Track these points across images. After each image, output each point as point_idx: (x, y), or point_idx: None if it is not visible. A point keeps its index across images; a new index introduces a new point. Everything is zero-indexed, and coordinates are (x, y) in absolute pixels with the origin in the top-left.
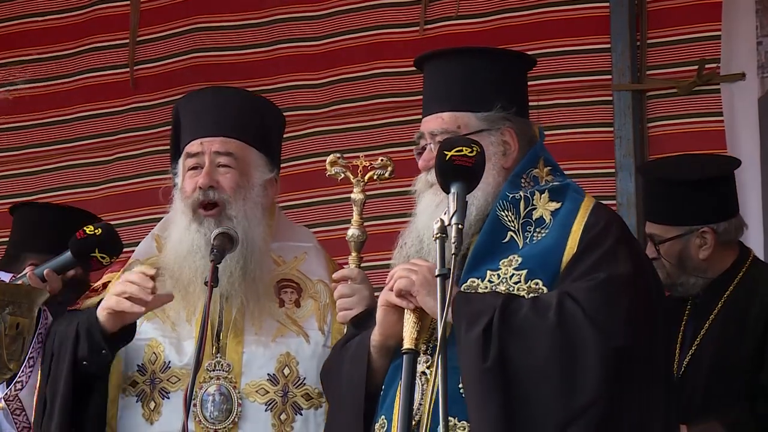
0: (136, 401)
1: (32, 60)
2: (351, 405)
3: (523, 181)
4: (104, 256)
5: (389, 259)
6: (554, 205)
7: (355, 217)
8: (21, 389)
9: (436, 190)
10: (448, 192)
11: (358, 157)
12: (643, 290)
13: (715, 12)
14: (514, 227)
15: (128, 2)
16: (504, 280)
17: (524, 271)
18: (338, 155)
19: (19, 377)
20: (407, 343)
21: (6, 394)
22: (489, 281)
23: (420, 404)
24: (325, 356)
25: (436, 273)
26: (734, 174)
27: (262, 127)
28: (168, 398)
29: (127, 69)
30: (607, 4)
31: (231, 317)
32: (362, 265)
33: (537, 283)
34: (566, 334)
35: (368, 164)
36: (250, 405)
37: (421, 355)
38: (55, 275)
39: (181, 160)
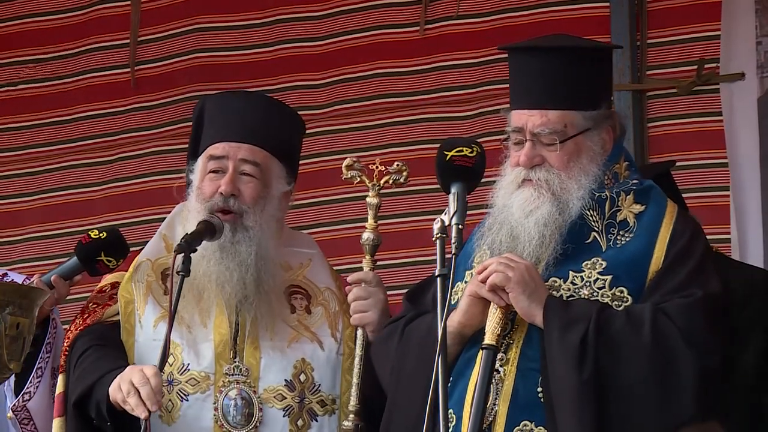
0: None
1: (33, 60)
2: (421, 390)
3: (606, 178)
4: (110, 259)
5: (393, 259)
6: (638, 208)
7: (370, 220)
8: (29, 400)
9: (534, 188)
10: (448, 192)
11: (374, 161)
12: (727, 309)
13: (715, 12)
14: (598, 228)
15: (129, 2)
16: (588, 284)
17: (609, 277)
18: (354, 158)
19: (27, 388)
20: (489, 339)
21: (14, 404)
22: (572, 283)
23: (495, 404)
24: (338, 363)
25: (436, 273)
26: (671, 173)
27: (288, 139)
28: (186, 400)
29: (128, 69)
30: (607, 4)
31: (246, 322)
32: (351, 266)
33: (622, 291)
34: (661, 352)
35: (384, 168)
36: (269, 410)
37: None
38: (62, 281)
39: (201, 160)
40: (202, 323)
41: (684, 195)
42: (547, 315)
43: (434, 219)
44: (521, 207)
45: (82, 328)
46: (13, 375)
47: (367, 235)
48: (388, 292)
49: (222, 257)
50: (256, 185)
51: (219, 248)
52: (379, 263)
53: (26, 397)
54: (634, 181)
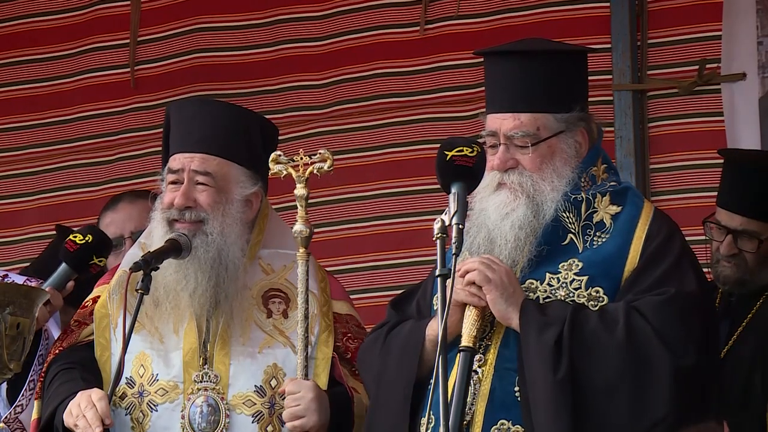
0: (125, 414)
1: (33, 60)
2: (399, 394)
3: (582, 180)
4: (101, 259)
5: (394, 259)
6: (615, 209)
7: (300, 212)
8: (21, 412)
9: (509, 190)
10: (448, 192)
11: (297, 152)
12: (708, 307)
13: (716, 12)
14: (575, 230)
15: (129, 2)
16: (564, 285)
17: (585, 278)
18: (279, 153)
19: (20, 400)
20: (466, 341)
21: (6, 417)
22: (548, 284)
23: (472, 404)
24: (312, 367)
25: (437, 273)
26: None
27: (247, 142)
28: (156, 411)
29: (128, 69)
30: (607, 4)
31: (218, 328)
32: (352, 266)
33: (598, 291)
34: (635, 351)
35: (308, 159)
36: (237, 417)
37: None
38: (56, 293)
39: (165, 170)
40: (174, 331)
41: (685, 195)
42: (524, 318)
43: (434, 219)
44: (497, 210)
45: (56, 352)
46: (5, 384)
47: (297, 228)
48: (389, 292)
49: (180, 265)
50: (211, 193)
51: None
52: (379, 263)
53: (18, 409)
54: (612, 183)
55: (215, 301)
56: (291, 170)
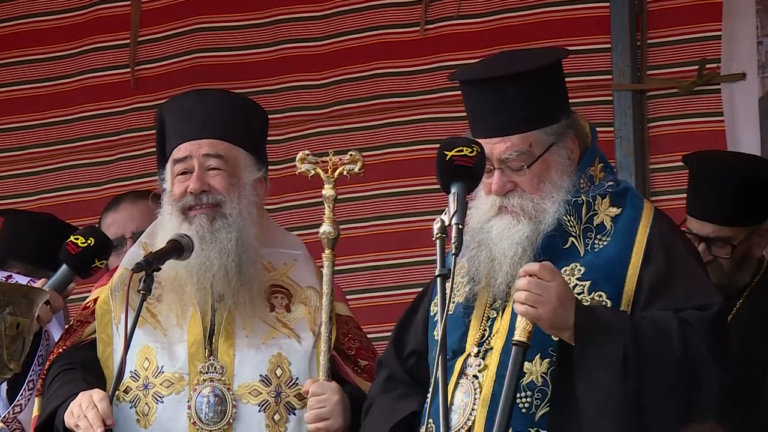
0: (130, 407)
1: (33, 60)
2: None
3: (581, 182)
4: (103, 261)
5: (394, 259)
6: (615, 211)
7: (327, 213)
8: (20, 412)
9: (512, 215)
10: (448, 192)
11: (327, 153)
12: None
13: (716, 12)
14: (576, 233)
15: (129, 2)
16: None
17: (588, 283)
18: (307, 152)
19: (18, 400)
20: (519, 335)
21: (5, 416)
22: None
23: (473, 409)
24: (315, 357)
25: (437, 273)
26: None
27: (248, 128)
28: (162, 402)
29: (129, 69)
30: (607, 4)
31: (222, 320)
32: (352, 266)
33: (600, 295)
34: (690, 365)
35: (338, 159)
36: (243, 406)
37: (473, 358)
38: (56, 294)
39: (168, 166)
40: (178, 324)
41: (685, 195)
42: (577, 324)
43: (434, 219)
44: (500, 234)
45: (59, 352)
46: (6, 384)
47: (324, 229)
48: (389, 292)
49: (202, 248)
50: (224, 176)
51: (199, 239)
52: (379, 263)
53: (17, 409)
54: (610, 183)
55: (238, 281)
56: (320, 170)
